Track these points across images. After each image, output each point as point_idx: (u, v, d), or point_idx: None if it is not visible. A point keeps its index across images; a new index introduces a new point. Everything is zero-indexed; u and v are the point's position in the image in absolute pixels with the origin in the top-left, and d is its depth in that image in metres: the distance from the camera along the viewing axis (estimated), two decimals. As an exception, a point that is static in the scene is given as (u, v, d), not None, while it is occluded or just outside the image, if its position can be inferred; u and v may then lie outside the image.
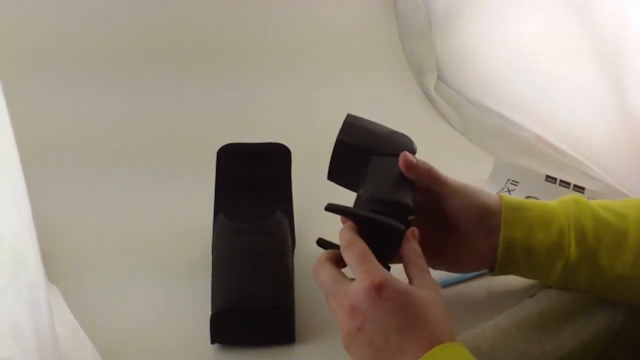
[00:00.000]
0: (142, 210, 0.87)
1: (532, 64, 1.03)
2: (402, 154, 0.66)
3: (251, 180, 0.79)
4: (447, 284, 0.75)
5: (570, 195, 0.70)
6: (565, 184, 0.91)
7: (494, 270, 0.69)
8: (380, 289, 0.58)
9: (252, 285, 0.68)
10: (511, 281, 0.75)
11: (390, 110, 1.13)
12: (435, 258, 0.70)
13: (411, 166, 0.66)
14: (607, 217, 0.68)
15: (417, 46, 1.21)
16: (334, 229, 0.65)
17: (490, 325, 0.68)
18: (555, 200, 0.70)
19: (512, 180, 0.94)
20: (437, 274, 0.75)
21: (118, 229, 0.83)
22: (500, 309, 0.70)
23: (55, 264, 0.72)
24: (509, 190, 0.93)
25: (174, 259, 0.78)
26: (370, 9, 1.23)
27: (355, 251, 0.60)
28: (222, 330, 0.66)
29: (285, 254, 0.72)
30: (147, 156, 0.97)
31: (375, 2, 1.23)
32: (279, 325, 0.67)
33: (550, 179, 0.92)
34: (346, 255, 0.61)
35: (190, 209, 0.86)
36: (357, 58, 1.18)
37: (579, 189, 0.90)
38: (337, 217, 0.69)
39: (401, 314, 0.58)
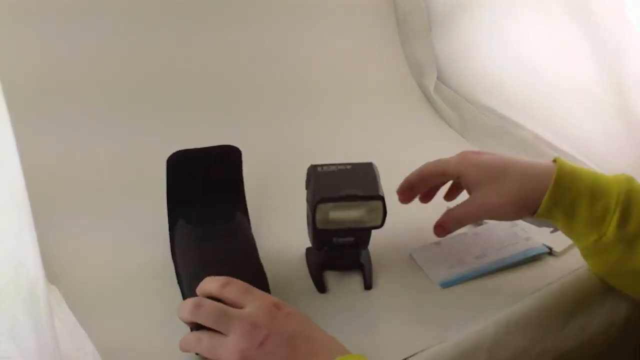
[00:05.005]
0: (143, 209, 0.86)
1: (532, 64, 1.03)
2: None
3: (205, 184, 0.78)
4: (447, 285, 0.75)
5: (624, 174, 0.70)
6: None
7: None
8: (279, 306, 0.60)
9: None
10: (511, 281, 0.75)
11: (390, 110, 1.13)
12: None
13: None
14: None
15: (417, 46, 1.21)
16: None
17: (491, 323, 0.68)
18: (610, 175, 0.70)
19: (512, 180, 0.94)
20: (438, 275, 0.75)
21: (119, 228, 0.83)
22: (500, 308, 0.70)
23: (55, 265, 0.72)
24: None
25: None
26: (370, 9, 1.23)
27: (237, 284, 0.62)
28: None
29: (254, 255, 0.73)
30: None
31: (375, 2, 1.23)
32: None
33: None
34: (229, 292, 0.62)
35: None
36: (357, 58, 1.18)
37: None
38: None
39: (306, 324, 0.60)
